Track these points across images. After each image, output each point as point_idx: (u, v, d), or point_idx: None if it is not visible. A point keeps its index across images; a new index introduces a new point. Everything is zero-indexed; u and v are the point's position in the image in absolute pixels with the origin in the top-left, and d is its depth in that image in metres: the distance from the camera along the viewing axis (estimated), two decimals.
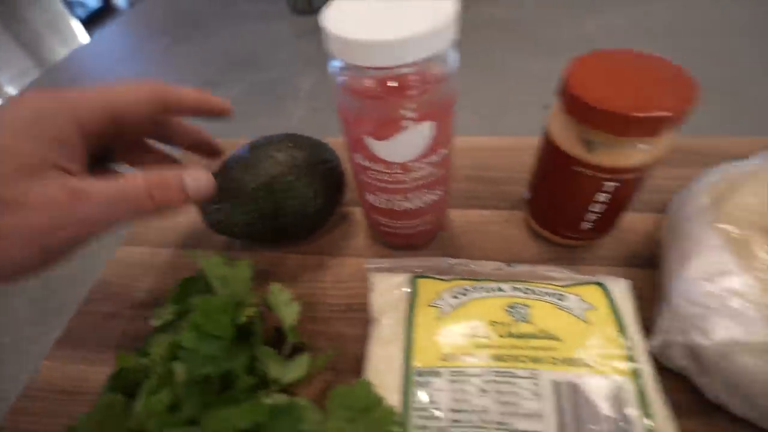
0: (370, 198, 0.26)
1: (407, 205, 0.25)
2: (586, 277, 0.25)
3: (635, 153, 0.22)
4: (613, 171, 0.22)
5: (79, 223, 0.19)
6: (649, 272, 0.27)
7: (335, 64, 0.20)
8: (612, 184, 0.23)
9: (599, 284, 0.24)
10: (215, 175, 0.28)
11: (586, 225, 0.26)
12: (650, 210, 0.31)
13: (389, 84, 0.19)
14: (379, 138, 0.21)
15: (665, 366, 0.23)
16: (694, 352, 0.21)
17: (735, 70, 0.45)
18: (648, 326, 0.23)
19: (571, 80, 0.21)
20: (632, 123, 0.20)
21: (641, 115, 0.19)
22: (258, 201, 0.27)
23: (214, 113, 0.25)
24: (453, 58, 0.20)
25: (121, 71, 0.62)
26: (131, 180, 0.20)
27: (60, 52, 1.33)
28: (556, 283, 0.24)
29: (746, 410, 0.21)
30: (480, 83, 0.50)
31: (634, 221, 0.30)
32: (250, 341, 0.23)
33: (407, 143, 0.21)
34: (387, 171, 0.23)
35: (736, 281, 0.21)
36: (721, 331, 0.20)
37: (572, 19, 0.55)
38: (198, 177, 0.21)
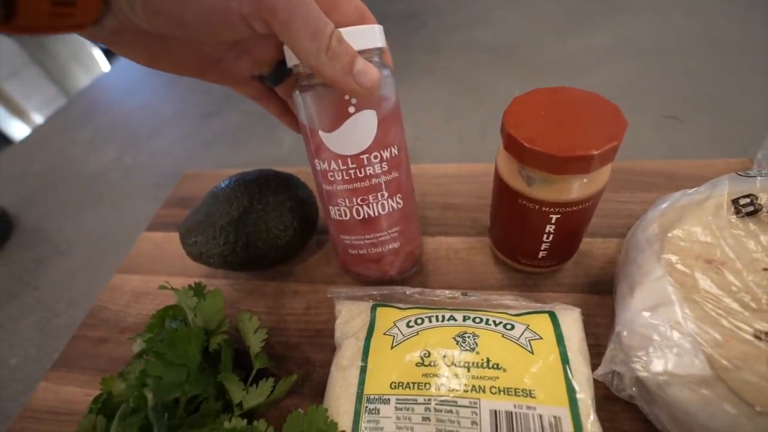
0: (333, 211, 0.27)
1: (368, 210, 0.26)
2: (539, 306, 0.26)
3: (572, 187, 0.23)
4: (554, 204, 0.23)
5: (270, 10, 0.17)
6: (609, 299, 0.28)
7: (294, 71, 0.23)
8: (555, 216, 0.24)
9: (550, 313, 0.25)
10: (195, 210, 0.31)
11: (541, 254, 0.27)
12: (616, 235, 0.32)
13: None
14: (331, 129, 0.24)
15: (618, 396, 0.23)
16: (639, 383, 0.22)
17: (718, 88, 0.45)
18: (602, 354, 0.24)
19: (508, 120, 0.23)
20: (562, 162, 0.21)
21: (570, 155, 0.20)
22: (230, 234, 0.29)
23: None
24: (387, 71, 0.24)
25: (131, 101, 0.66)
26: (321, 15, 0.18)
27: (83, 80, 1.42)
28: (510, 312, 0.25)
29: None
30: (464, 108, 0.52)
31: (598, 246, 0.31)
32: (219, 368, 0.25)
33: (355, 132, 0.24)
34: (343, 167, 0.25)
35: (676, 312, 0.21)
36: (659, 363, 0.21)
37: (555, 40, 0.56)
38: (369, 67, 0.20)
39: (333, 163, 0.25)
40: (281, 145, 0.53)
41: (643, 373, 0.21)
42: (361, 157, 0.25)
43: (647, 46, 0.55)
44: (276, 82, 0.26)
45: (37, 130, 0.68)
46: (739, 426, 0.19)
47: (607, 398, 0.24)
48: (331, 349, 0.27)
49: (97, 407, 0.25)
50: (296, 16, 0.17)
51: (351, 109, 0.23)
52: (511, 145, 0.22)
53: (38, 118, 1.35)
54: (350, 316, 0.27)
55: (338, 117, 0.23)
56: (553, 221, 0.24)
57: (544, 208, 0.24)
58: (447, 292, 0.27)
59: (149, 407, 0.22)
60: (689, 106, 0.45)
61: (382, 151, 0.25)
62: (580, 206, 0.23)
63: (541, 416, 0.20)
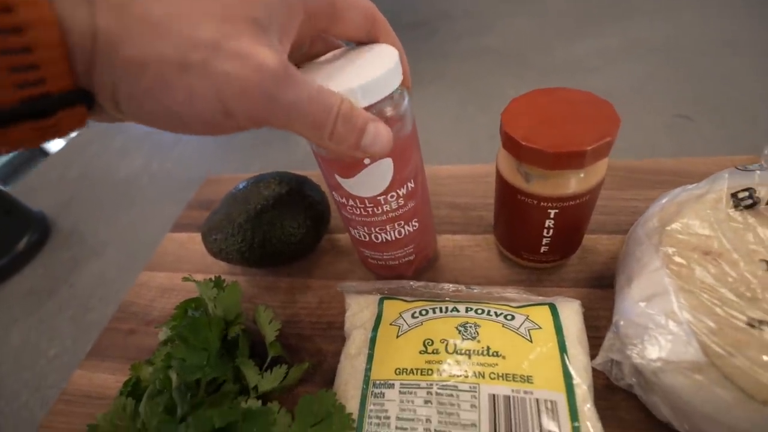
0: (353, 232, 0.29)
1: (385, 236, 0.28)
2: (540, 298, 0.26)
3: (568, 182, 0.24)
4: (551, 199, 0.24)
5: (270, 106, 0.16)
6: (612, 293, 0.28)
7: None
8: (553, 210, 0.25)
9: (550, 305, 0.25)
10: (215, 211, 0.33)
11: (543, 248, 0.28)
12: (621, 232, 0.32)
13: None
14: (346, 176, 0.25)
15: (618, 385, 0.24)
16: (637, 371, 0.22)
17: (729, 87, 0.44)
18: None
19: (506, 119, 0.24)
20: (555, 158, 0.22)
21: (563, 151, 0.22)
22: (247, 232, 0.31)
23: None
24: (405, 102, 0.23)
25: None
26: (329, 93, 0.17)
27: None
28: (511, 304, 0.26)
29: (687, 428, 0.21)
30: (473, 112, 0.53)
31: (602, 243, 0.32)
32: (236, 354, 0.26)
33: (371, 179, 0.24)
34: (360, 206, 0.26)
35: (672, 302, 0.22)
36: (654, 350, 0.21)
37: (564, 44, 0.57)
38: (381, 135, 0.19)
39: (350, 200, 0.26)
40: (297, 151, 0.55)
41: (638, 361, 0.21)
42: (378, 198, 0.25)
43: (658, 47, 0.55)
44: None
45: (71, 141, 0.73)
46: (731, 410, 0.19)
47: (607, 388, 0.24)
48: (342, 340, 0.29)
49: (127, 390, 0.27)
50: (294, 120, 0.17)
51: (366, 161, 0.23)
52: (509, 143, 0.24)
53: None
54: (359, 309, 0.29)
55: (353, 167, 0.24)
56: (551, 216, 0.25)
57: (542, 203, 0.25)
58: (451, 285, 0.28)
59: (174, 387, 0.24)
60: (700, 106, 0.45)
61: (398, 190, 0.25)
62: (577, 201, 0.24)
63: (537, 400, 0.21)
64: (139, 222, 0.52)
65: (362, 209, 0.26)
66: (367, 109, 0.21)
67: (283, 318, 0.33)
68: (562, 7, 0.69)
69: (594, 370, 0.24)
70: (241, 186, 0.33)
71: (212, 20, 0.15)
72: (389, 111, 0.23)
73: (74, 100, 0.14)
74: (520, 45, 0.63)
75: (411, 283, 0.29)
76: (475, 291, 0.27)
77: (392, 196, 0.25)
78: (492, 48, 0.65)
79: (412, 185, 0.26)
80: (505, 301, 0.26)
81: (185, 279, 0.28)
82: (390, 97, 0.22)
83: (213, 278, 0.29)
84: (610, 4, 0.66)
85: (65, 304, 0.44)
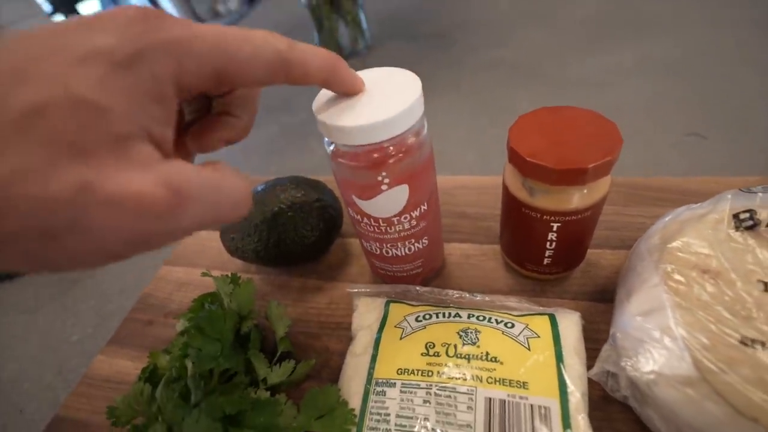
0: (365, 245, 0.30)
1: (396, 252, 0.29)
2: (541, 309, 0.27)
3: (570, 198, 0.24)
4: (554, 213, 0.25)
5: (167, 234, 0.13)
6: (611, 307, 0.29)
7: (327, 141, 0.25)
8: (556, 224, 0.26)
9: (550, 315, 0.26)
10: None
11: (546, 260, 0.29)
12: (625, 247, 0.33)
13: (366, 156, 0.23)
14: (363, 198, 0.25)
15: (614, 397, 0.24)
16: (632, 383, 0.23)
17: (743, 106, 0.44)
18: None
19: (513, 134, 0.25)
20: (559, 174, 0.23)
21: (566, 167, 0.23)
22: (263, 232, 0.32)
23: (341, 94, 0.22)
24: (425, 130, 0.24)
25: None
26: (231, 178, 0.15)
27: None
28: (513, 313, 0.27)
29: None
30: (486, 124, 0.54)
31: (606, 257, 0.32)
32: (248, 347, 0.28)
33: (387, 203, 0.25)
34: (375, 224, 0.27)
35: (668, 317, 0.23)
36: (648, 363, 0.22)
37: (578, 58, 0.58)
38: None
39: (365, 218, 0.27)
40: (312, 156, 0.57)
41: (632, 373, 0.22)
42: (392, 219, 0.26)
43: (671, 64, 0.55)
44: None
45: None
46: (722, 426, 0.20)
47: (603, 399, 0.25)
48: (348, 340, 0.30)
49: (144, 376, 0.29)
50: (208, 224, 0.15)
51: (383, 187, 0.24)
52: (515, 158, 0.25)
53: None
54: (366, 310, 0.30)
55: (371, 191, 0.24)
56: (554, 229, 0.26)
57: (545, 217, 0.26)
58: (455, 292, 0.29)
59: (189, 375, 0.26)
60: (713, 124, 0.46)
61: (412, 212, 0.26)
62: (579, 216, 0.25)
63: (531, 406, 0.22)
64: None
65: (376, 227, 0.27)
66: (380, 143, 0.22)
67: (294, 316, 0.34)
68: (577, 21, 0.70)
69: (591, 381, 0.24)
70: (259, 188, 0.35)
71: (22, 145, 0.10)
72: (410, 139, 0.24)
73: None
74: (534, 58, 0.64)
75: (417, 288, 0.30)
76: (478, 298, 0.28)
77: (406, 218, 0.26)
78: (507, 60, 0.66)
79: (425, 207, 0.27)
80: (506, 310, 0.27)
81: (204, 274, 0.30)
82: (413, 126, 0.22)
83: (230, 275, 0.31)
84: (625, 20, 0.67)
85: (88, 294, 0.47)
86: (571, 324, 0.26)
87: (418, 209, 0.26)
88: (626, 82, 0.53)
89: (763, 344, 0.20)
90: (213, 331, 0.26)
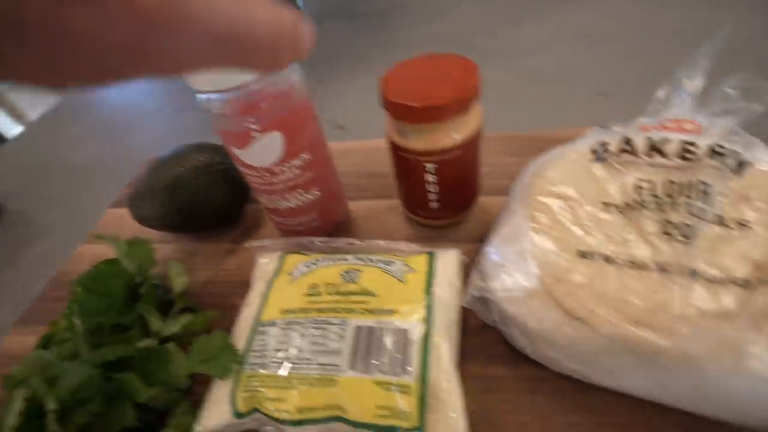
0: (261, 199, 0.31)
1: (287, 204, 0.30)
2: (425, 248, 0.29)
3: (439, 137, 0.26)
4: (426, 153, 0.26)
5: (169, 51, 0.10)
6: None
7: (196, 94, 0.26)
8: (431, 165, 0.27)
9: (429, 253, 0.28)
10: (139, 180, 0.35)
11: (432, 204, 0.30)
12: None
13: (231, 104, 0.24)
14: (239, 147, 0.26)
15: (488, 323, 0.26)
16: (498, 308, 0.25)
17: (645, 68, 0.47)
18: None
19: (382, 82, 0.26)
20: (419, 112, 0.24)
21: (424, 104, 0.24)
22: (165, 197, 0.33)
23: None
24: (292, 79, 0.25)
25: (118, 97, 0.72)
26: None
27: None
28: (398, 254, 0.28)
29: (537, 355, 0.24)
30: None
31: (497, 204, 0.34)
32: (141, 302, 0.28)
33: (262, 151, 0.26)
34: (258, 175, 0.28)
35: (525, 241, 0.24)
36: (502, 282, 0.23)
37: (505, 29, 0.60)
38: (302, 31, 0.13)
39: (247, 169, 0.28)
40: None
41: (492, 295, 0.24)
42: (273, 168, 0.27)
43: (588, 31, 0.58)
44: None
45: (29, 128, 0.75)
46: (559, 329, 0.21)
47: (480, 327, 0.27)
48: None
49: (42, 344, 0.29)
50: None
51: (254, 134, 0.25)
52: (384, 101, 0.26)
53: (33, 116, 1.39)
54: (264, 264, 0.31)
55: (243, 138, 0.25)
56: (431, 171, 0.28)
57: (419, 158, 0.27)
58: (347, 239, 0.30)
59: (77, 332, 0.26)
60: (617, 84, 0.48)
61: (293, 161, 0.27)
62: (451, 155, 0.27)
63: (396, 329, 0.23)
64: (91, 207, 0.54)
65: (258, 178, 0.28)
66: (258, 81, 0.23)
67: (205, 279, 0.35)
68: None
69: (470, 312, 0.26)
70: (162, 156, 0.35)
71: None
72: (275, 87, 0.24)
73: None
74: (467, 31, 0.66)
75: (314, 239, 0.31)
76: (368, 243, 0.30)
77: (287, 167, 0.27)
78: (441, 34, 0.68)
79: (308, 156, 0.28)
80: (394, 253, 0.29)
81: (97, 237, 0.30)
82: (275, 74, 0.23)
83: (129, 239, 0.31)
84: None
85: (11, 282, 0.46)
86: (448, 259, 0.27)
87: (299, 158, 0.27)
88: (547, 50, 0.55)
89: (592, 255, 0.22)
90: (100, 288, 0.26)
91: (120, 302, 0.27)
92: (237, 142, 0.26)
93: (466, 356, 0.26)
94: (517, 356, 0.25)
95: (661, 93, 0.29)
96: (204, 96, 0.24)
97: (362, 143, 0.43)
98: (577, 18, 0.62)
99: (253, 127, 0.24)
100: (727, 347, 0.18)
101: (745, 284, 0.20)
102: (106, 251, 0.39)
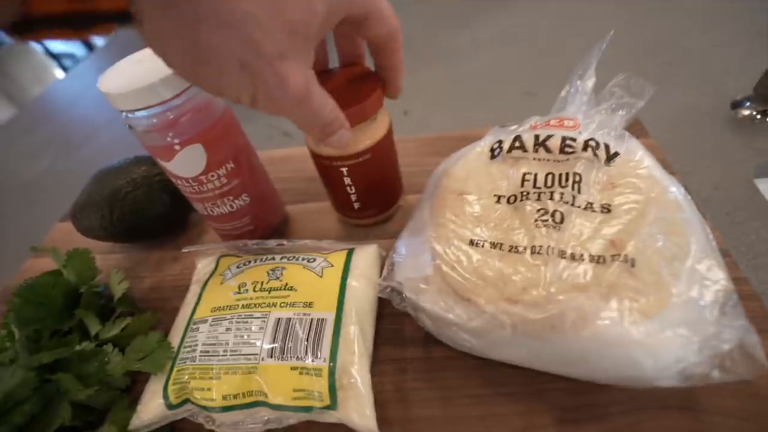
0: (196, 206, 0.33)
1: (219, 210, 0.32)
2: (346, 245, 0.31)
3: (347, 144, 0.28)
4: (338, 158, 0.29)
5: (280, 111, 0.20)
6: None
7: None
8: (345, 168, 0.30)
9: (349, 249, 0.30)
10: (81, 193, 0.36)
11: (355, 204, 0.33)
12: None
13: (148, 120, 0.26)
14: (164, 160, 0.28)
15: (402, 311, 0.28)
16: (406, 295, 0.27)
17: (565, 65, 0.51)
18: None
19: None
20: None
21: None
22: (105, 209, 0.34)
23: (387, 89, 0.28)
24: (205, 95, 0.27)
25: (73, 110, 0.72)
26: (330, 104, 0.22)
27: (35, 89, 1.46)
28: (323, 252, 0.31)
29: (442, 336, 0.26)
30: None
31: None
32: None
33: (186, 162, 0.28)
34: (188, 184, 0.29)
35: (425, 234, 0.27)
36: (402, 272, 0.26)
37: (448, 34, 0.63)
38: (344, 137, 0.25)
39: (177, 180, 0.29)
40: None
41: (399, 284, 0.26)
42: (199, 177, 0.29)
43: (521, 36, 0.61)
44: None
45: None
46: (453, 310, 0.24)
47: (398, 314, 0.29)
48: None
49: None
50: (295, 121, 0.22)
51: (176, 147, 0.26)
52: None
53: None
54: (202, 268, 0.33)
55: (167, 152, 0.27)
56: (345, 174, 0.30)
57: (334, 163, 0.29)
58: (276, 240, 0.32)
59: (16, 340, 0.27)
60: (542, 83, 0.52)
61: (217, 171, 0.29)
62: (361, 159, 0.29)
63: (312, 320, 0.26)
64: (42, 220, 0.55)
65: (188, 188, 0.30)
66: (175, 98, 0.25)
67: (150, 285, 0.36)
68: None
69: (386, 302, 0.28)
70: (105, 168, 0.36)
71: (281, 33, 0.17)
72: (188, 104, 0.26)
73: (115, 19, 0.15)
74: (410, 34, 0.68)
75: (247, 242, 0.33)
76: (295, 243, 0.32)
77: (213, 176, 0.29)
78: None
79: (233, 165, 0.30)
80: (318, 250, 0.31)
81: (33, 249, 0.31)
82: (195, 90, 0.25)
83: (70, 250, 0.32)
84: None
85: None
86: (365, 254, 0.30)
87: (224, 168, 0.29)
88: (485, 53, 0.59)
89: (481, 243, 0.25)
90: (37, 297, 0.28)
91: (58, 310, 0.29)
92: (162, 155, 0.28)
93: (384, 341, 0.29)
94: (428, 339, 0.28)
95: (563, 92, 0.32)
96: (126, 114, 0.26)
97: (304, 149, 0.46)
98: (515, 21, 0.66)
99: (175, 141, 0.26)
100: (580, 316, 0.21)
101: (599, 260, 0.23)
102: (55, 265, 0.41)
